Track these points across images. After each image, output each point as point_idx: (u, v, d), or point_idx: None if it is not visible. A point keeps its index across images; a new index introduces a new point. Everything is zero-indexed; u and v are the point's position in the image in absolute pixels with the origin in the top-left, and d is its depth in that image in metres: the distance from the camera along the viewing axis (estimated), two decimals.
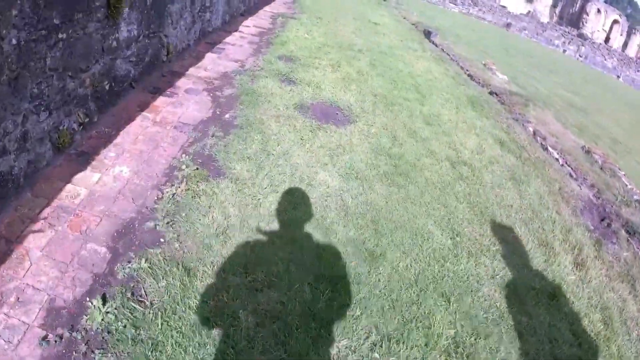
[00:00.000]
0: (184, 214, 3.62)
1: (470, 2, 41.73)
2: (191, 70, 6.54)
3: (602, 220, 6.40)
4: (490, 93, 10.35)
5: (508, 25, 41.87)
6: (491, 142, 7.09)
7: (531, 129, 8.45)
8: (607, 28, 60.95)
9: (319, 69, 7.86)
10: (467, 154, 6.25)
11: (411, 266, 3.74)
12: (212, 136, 4.76)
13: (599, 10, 59.80)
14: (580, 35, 51.39)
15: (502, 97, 9.99)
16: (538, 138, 8.15)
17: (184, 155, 4.39)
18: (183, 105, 5.42)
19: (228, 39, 8.76)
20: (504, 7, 46.82)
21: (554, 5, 62.09)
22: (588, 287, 4.53)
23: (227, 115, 5.30)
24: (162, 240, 3.36)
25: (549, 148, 7.78)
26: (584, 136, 10.09)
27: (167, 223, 3.50)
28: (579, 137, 9.40)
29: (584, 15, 59.34)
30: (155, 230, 3.44)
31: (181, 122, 5.02)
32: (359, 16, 16.04)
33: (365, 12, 17.53)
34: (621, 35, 62.04)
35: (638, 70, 51.20)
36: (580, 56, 46.15)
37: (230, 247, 3.41)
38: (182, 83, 6.04)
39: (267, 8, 13.15)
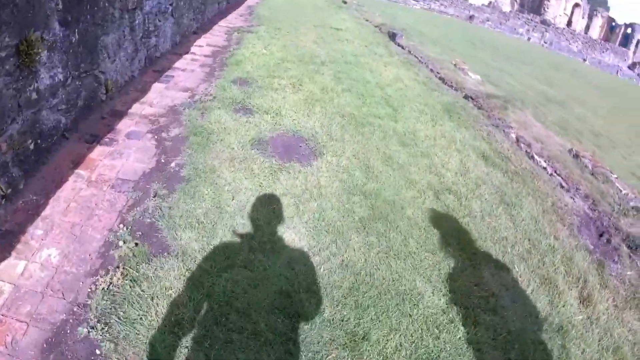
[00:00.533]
0: (121, 312, 2.92)
1: None
2: (135, 108, 5.82)
3: (601, 235, 5.90)
4: (466, 97, 9.80)
5: (471, 17, 41.76)
6: (474, 157, 6.50)
7: (514, 135, 7.91)
8: (568, 12, 61.53)
9: (279, 91, 7.19)
10: (450, 177, 5.64)
11: (401, 346, 3.09)
12: (155, 196, 4.05)
13: None
14: (544, 22, 51.64)
15: (479, 101, 9.44)
16: (522, 145, 7.60)
17: (121, 225, 3.68)
18: (123, 155, 4.71)
19: (178, 64, 8.05)
20: None
21: None
22: (597, 326, 4.01)
23: (172, 164, 4.59)
24: (97, 352, 2.67)
25: (535, 156, 7.24)
26: (567, 134, 9.64)
27: (103, 327, 2.81)
28: (562, 137, 8.94)
29: (545, 1, 59.75)
30: (89, 338, 2.74)
31: (120, 179, 4.31)
32: (319, 23, 15.42)
33: (326, 18, 16.92)
34: (583, 18, 62.73)
35: (603, 52, 51.69)
36: (545, 42, 46.32)
37: (180, 355, 2.73)
38: (123, 125, 5.31)
39: (222, 22, 12.46)
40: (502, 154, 7.01)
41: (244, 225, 3.87)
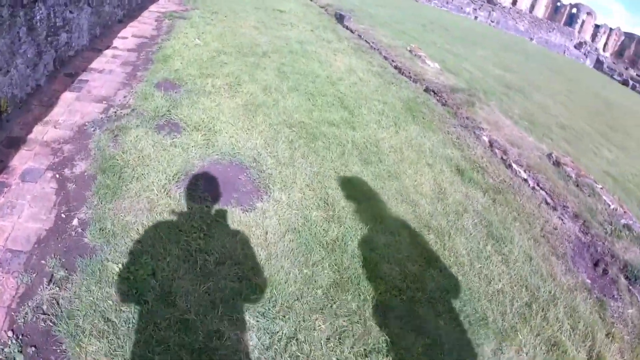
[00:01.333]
0: None
1: None
2: (36, 131, 4.49)
3: (596, 265, 5.19)
4: (427, 90, 8.88)
5: None
6: (448, 173, 5.55)
7: (486, 139, 7.02)
8: None
9: (212, 95, 5.99)
10: (426, 206, 4.64)
11: None
12: (51, 282, 2.80)
13: None
14: (490, 1, 51.60)
15: (442, 96, 8.53)
16: (497, 151, 6.72)
17: (11, 333, 2.49)
18: (15, 209, 3.41)
19: (96, 63, 6.73)
20: None
21: None
22: None
23: (74, 222, 3.32)
24: None
25: (514, 165, 6.37)
26: (535, 129, 8.87)
27: None
28: (534, 135, 8.16)
29: None
30: None
31: (10, 250, 3.06)
32: (260, 5, 14.16)
33: (268, 0, 15.70)
34: None
35: (549, 31, 52.14)
36: (492, 21, 46.25)
37: None
38: (19, 160, 3.99)
39: (153, 7, 11.04)
40: (477, 164, 6.11)
41: (170, 323, 2.73)
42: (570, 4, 62.17)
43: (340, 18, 14.15)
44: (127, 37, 8.21)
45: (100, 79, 6.20)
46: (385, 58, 10.78)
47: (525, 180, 6.12)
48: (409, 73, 9.79)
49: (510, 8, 52.01)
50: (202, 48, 7.97)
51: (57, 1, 5.84)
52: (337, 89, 7.59)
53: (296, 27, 11.70)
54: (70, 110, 5.14)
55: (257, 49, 8.63)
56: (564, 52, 48.51)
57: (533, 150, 7.01)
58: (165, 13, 10.41)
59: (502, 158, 6.57)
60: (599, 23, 60.18)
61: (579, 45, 53.87)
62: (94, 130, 4.65)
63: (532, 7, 61.92)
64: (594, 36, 59.80)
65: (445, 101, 8.47)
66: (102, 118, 4.96)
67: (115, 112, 5.15)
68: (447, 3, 43.21)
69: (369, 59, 10.33)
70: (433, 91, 8.93)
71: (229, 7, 12.39)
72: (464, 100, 8.59)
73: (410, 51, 11.77)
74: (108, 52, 7.31)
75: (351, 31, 13.06)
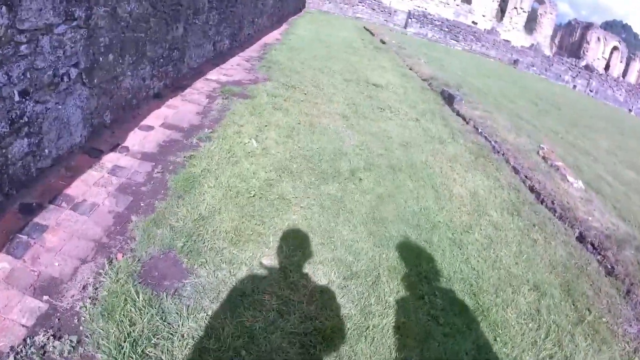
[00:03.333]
0: None
1: (472, 37, 37.13)
2: None
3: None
4: (582, 241, 5.45)
5: (515, 62, 37.27)
6: None
7: None
8: (606, 55, 57.15)
9: (249, 309, 2.94)
10: None
11: None
12: None
13: (598, 38, 55.90)
14: (587, 67, 46.95)
15: (607, 255, 5.12)
16: None
17: None
18: None
19: (79, 184, 3.93)
20: (507, 41, 42.25)
21: (553, 36, 58.01)
22: None
23: None
24: None
25: None
26: None
27: None
28: None
29: (585, 44, 55.33)
30: None
31: None
32: (353, 74, 11.19)
33: (362, 66, 12.68)
34: (621, 62, 58.38)
35: None
36: (590, 91, 41.60)
37: None
38: None
39: (212, 73, 8.32)
40: None
41: None
42: None
43: (449, 98, 10.92)
44: (153, 127, 5.40)
45: (65, 228, 3.31)
46: (516, 171, 7.42)
47: None
48: (553, 203, 6.40)
49: (608, 75, 47.01)
50: (256, 160, 4.97)
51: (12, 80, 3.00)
52: (465, 254, 4.38)
53: (396, 113, 8.58)
54: None
55: (341, 163, 5.54)
56: None
57: None
58: (226, 84, 7.62)
59: None
60: None
61: None
62: None
63: (625, 73, 56.59)
64: None
65: (612, 267, 5.08)
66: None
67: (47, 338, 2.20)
68: (545, 71, 39.08)
69: (495, 172, 7.01)
70: (592, 244, 5.53)
71: (312, 78, 9.48)
72: (633, 260, 5.17)
73: (543, 158, 8.34)
74: (108, 160, 4.50)
75: (464, 119, 9.78)
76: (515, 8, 51.22)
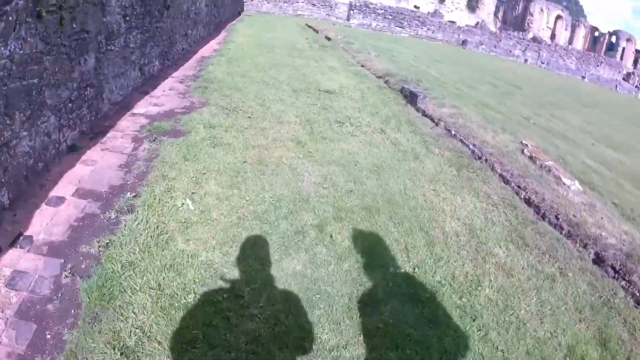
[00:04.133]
0: None
1: (417, 22, 36.39)
2: None
3: None
4: (600, 264, 4.47)
5: (464, 42, 36.75)
6: None
7: None
8: (551, 25, 57.83)
9: None
10: None
11: None
12: None
13: (541, 9, 56.39)
14: (534, 39, 47.07)
15: (631, 279, 4.15)
16: None
17: None
18: None
19: None
20: (452, 22, 41.81)
21: (496, 12, 58.26)
22: None
23: None
24: None
25: None
26: None
27: None
28: None
29: (529, 17, 55.72)
30: None
31: None
32: (301, 81, 9.98)
33: (310, 70, 11.48)
34: (566, 30, 59.23)
35: (597, 65, 47.15)
36: (542, 63, 41.57)
37: None
38: None
39: (140, 105, 7.05)
40: None
41: None
42: (609, 32, 57.47)
43: (411, 97, 9.84)
44: (64, 199, 4.12)
45: None
46: (505, 180, 6.36)
47: None
48: (557, 219, 5.38)
49: (557, 45, 47.21)
50: (194, 232, 3.74)
51: None
52: (482, 326, 3.32)
53: (358, 125, 7.42)
54: None
55: (304, 216, 4.33)
56: (616, 87, 43.19)
57: None
58: (154, 120, 6.32)
59: None
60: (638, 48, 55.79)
61: (627, 77, 48.50)
62: None
63: (571, 40, 57.27)
64: (635, 63, 54.75)
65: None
66: None
67: None
68: (495, 47, 38.73)
69: (483, 187, 5.95)
70: (612, 267, 4.56)
71: (256, 95, 8.24)
72: None
73: (531, 158, 7.32)
74: (6, 262, 3.45)
75: (432, 120, 8.71)
76: None
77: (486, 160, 7.02)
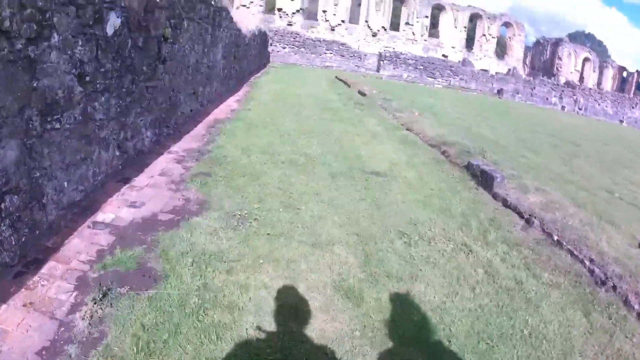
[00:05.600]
0: None
1: (449, 72, 34.15)
2: None
3: None
4: None
5: (499, 92, 34.29)
6: None
7: None
8: (579, 68, 55.25)
9: None
10: None
11: None
12: None
13: (569, 53, 53.91)
14: (568, 84, 44.34)
15: None
16: None
17: None
18: None
19: None
20: (485, 71, 39.52)
21: (524, 58, 55.97)
22: None
23: None
24: None
25: None
26: None
27: None
28: None
29: (557, 61, 53.16)
30: None
31: None
32: (339, 156, 7.53)
33: (348, 138, 9.03)
34: (594, 72, 56.60)
35: (633, 107, 44.02)
36: (579, 109, 38.71)
37: None
38: None
39: (110, 206, 4.69)
40: None
41: None
42: (637, 70, 54.76)
43: (483, 177, 7.27)
44: None
45: None
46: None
47: None
48: None
49: (590, 89, 44.36)
50: None
51: None
52: None
53: (432, 241, 4.84)
54: None
55: None
56: None
57: None
58: (121, 238, 3.95)
59: None
60: None
61: None
62: None
63: (599, 82, 54.53)
64: None
65: None
66: None
67: None
68: (531, 96, 36.16)
69: (627, 346, 3.31)
70: None
71: (280, 183, 5.81)
72: None
73: None
74: None
75: (522, 216, 6.11)
76: (484, 35, 48.96)
77: (614, 287, 4.40)
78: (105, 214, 4.54)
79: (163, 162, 6.31)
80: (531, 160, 10.68)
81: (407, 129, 10.92)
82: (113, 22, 4.95)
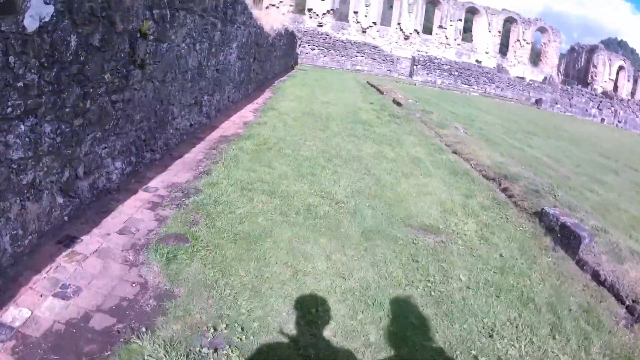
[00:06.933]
0: None
1: (485, 79, 31.70)
2: None
3: None
4: None
5: (537, 101, 31.73)
6: None
7: None
8: (613, 77, 52.14)
9: None
10: None
11: None
12: None
13: (604, 61, 50.87)
14: (605, 94, 41.44)
15: None
16: None
17: None
18: None
19: None
20: (522, 78, 36.93)
21: (558, 65, 53.07)
22: None
23: None
24: None
25: None
26: None
27: None
28: None
29: (592, 69, 50.11)
30: None
31: None
32: (376, 202, 5.50)
33: (386, 170, 6.99)
34: (628, 81, 53.34)
35: None
36: (619, 122, 35.87)
37: None
38: None
39: (25, 299, 2.72)
40: None
41: None
42: None
43: (564, 238, 5.16)
44: None
45: None
46: None
47: None
48: None
49: (629, 100, 41.35)
50: None
51: None
52: None
53: None
54: None
55: None
56: None
57: None
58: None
59: None
60: None
61: None
62: None
63: (634, 91, 51.31)
64: None
65: None
66: None
67: None
68: (570, 106, 33.50)
69: None
70: None
71: (288, 256, 3.84)
72: None
73: None
74: None
75: (622, 301, 4.06)
76: (518, 40, 46.29)
77: None
78: (17, 310, 2.76)
79: (131, 208, 4.41)
80: (602, 197, 8.50)
81: (453, 151, 8.84)
82: (38, 11, 3.05)
